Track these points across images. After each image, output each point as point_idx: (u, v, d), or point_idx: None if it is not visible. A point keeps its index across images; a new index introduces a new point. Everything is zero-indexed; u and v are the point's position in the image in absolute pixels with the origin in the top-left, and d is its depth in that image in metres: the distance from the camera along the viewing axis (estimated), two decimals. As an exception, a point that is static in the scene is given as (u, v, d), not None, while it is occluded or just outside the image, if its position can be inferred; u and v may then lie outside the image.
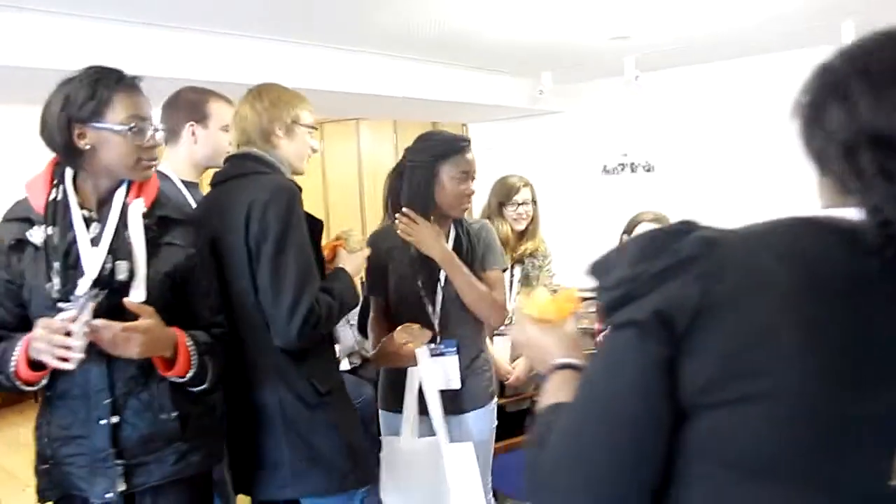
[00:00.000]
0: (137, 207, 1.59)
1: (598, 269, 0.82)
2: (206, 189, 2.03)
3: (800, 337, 0.69)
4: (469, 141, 2.23)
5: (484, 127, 5.96)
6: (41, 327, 1.45)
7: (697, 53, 4.38)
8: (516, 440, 2.84)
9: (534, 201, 3.15)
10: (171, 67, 3.15)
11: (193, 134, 2.26)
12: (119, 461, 1.56)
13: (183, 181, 2.25)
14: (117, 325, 1.47)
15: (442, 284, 2.18)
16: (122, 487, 1.56)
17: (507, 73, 4.87)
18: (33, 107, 1.60)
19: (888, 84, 0.71)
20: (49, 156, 1.60)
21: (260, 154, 1.87)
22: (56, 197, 1.56)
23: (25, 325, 1.58)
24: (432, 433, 2.12)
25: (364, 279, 2.29)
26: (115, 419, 1.56)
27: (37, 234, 1.55)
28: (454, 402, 2.17)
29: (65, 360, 1.43)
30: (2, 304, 1.59)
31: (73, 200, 1.57)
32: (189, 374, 1.59)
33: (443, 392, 2.12)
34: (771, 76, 4.40)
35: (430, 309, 2.17)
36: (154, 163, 1.63)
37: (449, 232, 2.24)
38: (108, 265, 1.52)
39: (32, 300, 1.55)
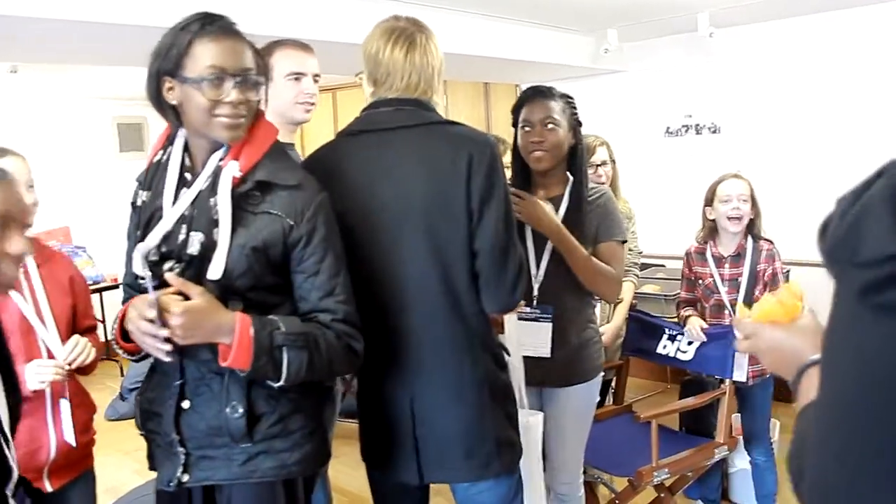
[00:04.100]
0: (229, 172, 1.38)
1: (840, 236, 0.62)
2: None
3: None
4: (543, 91, 2.08)
5: (539, 87, 5.76)
6: (131, 308, 1.35)
7: (776, 7, 4.13)
8: (600, 411, 2.75)
9: (612, 160, 3.02)
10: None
11: None
12: (181, 449, 1.42)
13: None
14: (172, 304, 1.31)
15: (549, 251, 2.08)
16: (184, 478, 1.41)
17: (569, 29, 4.66)
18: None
19: None
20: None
21: (428, 102, 1.62)
22: (161, 159, 1.44)
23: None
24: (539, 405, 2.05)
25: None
26: (185, 404, 1.42)
27: (140, 198, 1.46)
28: (562, 375, 2.09)
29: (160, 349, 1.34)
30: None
31: (174, 163, 1.42)
32: (250, 367, 1.33)
33: (550, 364, 2.03)
34: (854, 32, 4.14)
35: (533, 271, 2.07)
36: (239, 121, 1.37)
37: (562, 198, 2.12)
38: (182, 236, 1.37)
39: (126, 268, 1.47)
